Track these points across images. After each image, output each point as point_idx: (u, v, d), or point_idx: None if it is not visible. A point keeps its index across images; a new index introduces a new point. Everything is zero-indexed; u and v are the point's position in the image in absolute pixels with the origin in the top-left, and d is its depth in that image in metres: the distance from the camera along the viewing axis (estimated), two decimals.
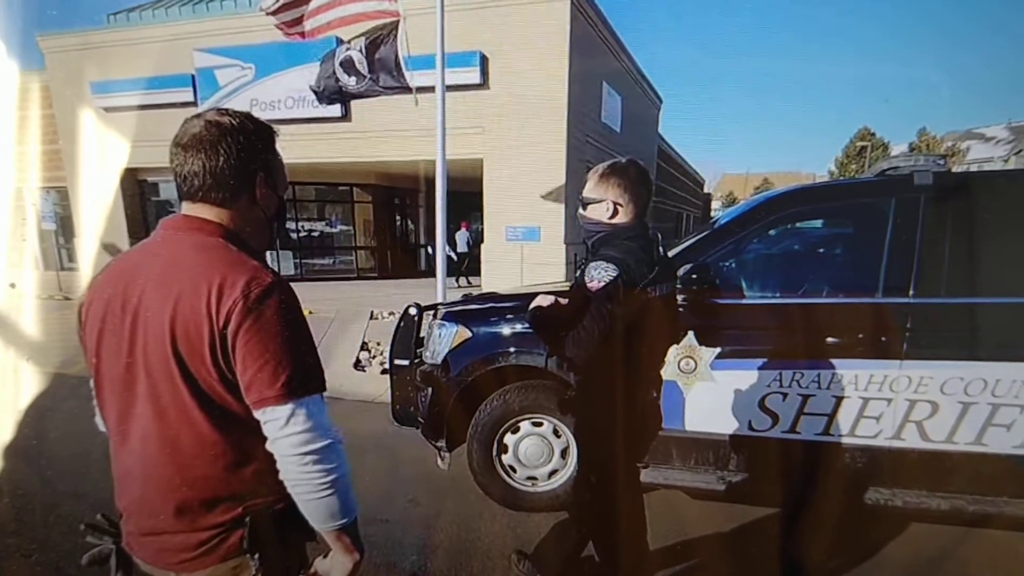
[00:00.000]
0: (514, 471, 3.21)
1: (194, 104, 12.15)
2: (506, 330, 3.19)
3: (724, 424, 2.87)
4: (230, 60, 11.70)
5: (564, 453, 3.17)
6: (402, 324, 3.72)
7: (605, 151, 13.32)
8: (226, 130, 1.12)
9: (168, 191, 14.53)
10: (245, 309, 1.01)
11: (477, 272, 12.02)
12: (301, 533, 1.16)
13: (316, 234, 15.80)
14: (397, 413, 3.67)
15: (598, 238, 1.99)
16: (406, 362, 3.56)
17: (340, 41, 7.41)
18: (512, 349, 3.15)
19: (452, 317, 3.32)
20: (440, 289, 8.14)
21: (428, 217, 16.73)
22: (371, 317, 9.47)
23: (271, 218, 1.22)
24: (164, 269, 1.08)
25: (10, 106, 14.47)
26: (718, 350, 2.80)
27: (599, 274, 1.78)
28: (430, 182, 15.36)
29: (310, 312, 10.32)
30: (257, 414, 1.05)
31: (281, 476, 1.07)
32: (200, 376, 1.04)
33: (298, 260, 15.11)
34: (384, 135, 11.41)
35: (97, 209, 14.10)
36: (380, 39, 6.83)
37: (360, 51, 6.85)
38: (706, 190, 46.16)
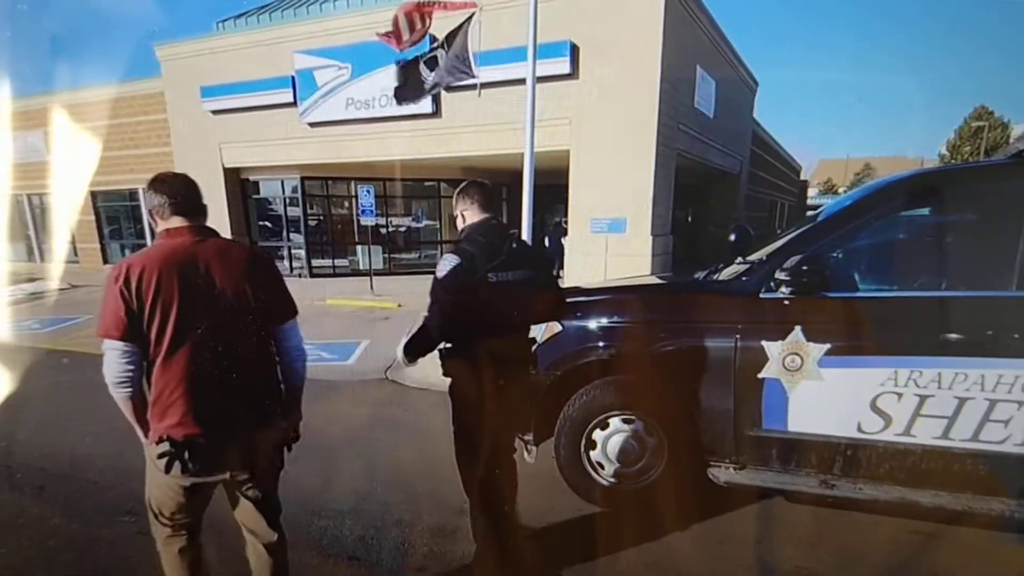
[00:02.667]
0: (602, 467, 3.15)
1: (294, 104, 12.71)
2: (596, 324, 3.14)
3: (831, 425, 2.71)
4: (328, 61, 12.11)
5: (655, 452, 3.08)
6: None
7: (698, 138, 12.82)
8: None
9: (267, 189, 15.35)
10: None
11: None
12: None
13: (403, 229, 16.22)
14: None
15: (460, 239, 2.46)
16: None
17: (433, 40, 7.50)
18: (602, 344, 3.11)
19: None
20: None
21: (512, 210, 16.75)
22: None
23: None
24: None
25: (129, 112, 15.78)
26: (827, 346, 2.63)
27: (443, 264, 2.26)
28: (515, 175, 15.34)
29: (399, 305, 10.62)
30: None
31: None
32: None
33: (386, 255, 15.55)
34: (474, 129, 11.47)
35: None
36: (456, 32, 6.92)
37: (443, 46, 6.97)
38: (802, 176, 43.63)
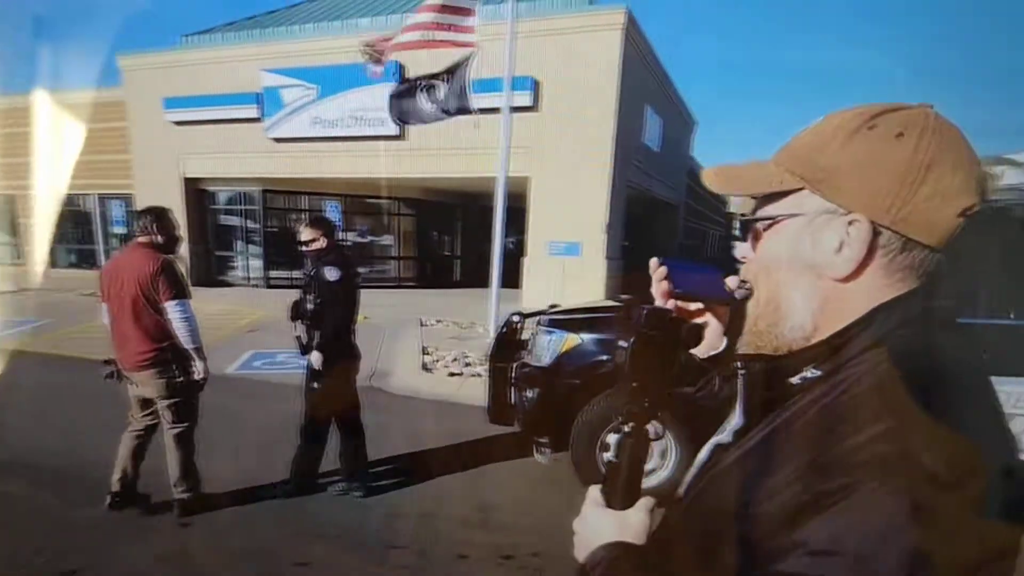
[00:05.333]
0: None
1: (259, 120, 12.96)
2: (610, 337, 3.60)
3: None
4: (295, 80, 12.49)
5: (663, 454, 3.48)
6: (505, 330, 4.25)
7: (645, 171, 13.88)
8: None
9: (224, 199, 15.37)
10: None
11: (515, 284, 12.53)
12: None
13: (352, 244, 16.46)
14: (493, 413, 4.11)
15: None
16: (506, 365, 4.09)
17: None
18: (613, 356, 3.44)
19: (560, 325, 3.78)
20: (494, 299, 8.72)
21: (464, 231, 17.42)
22: (421, 324, 10.06)
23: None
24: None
25: (86, 119, 15.45)
26: None
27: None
28: (468, 197, 16.04)
29: (365, 318, 10.96)
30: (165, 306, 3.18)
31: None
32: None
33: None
34: (436, 153, 12.07)
35: None
36: (456, 67, 7.51)
37: (444, 80, 7.52)
38: (730, 209, 46.24)
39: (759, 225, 0.66)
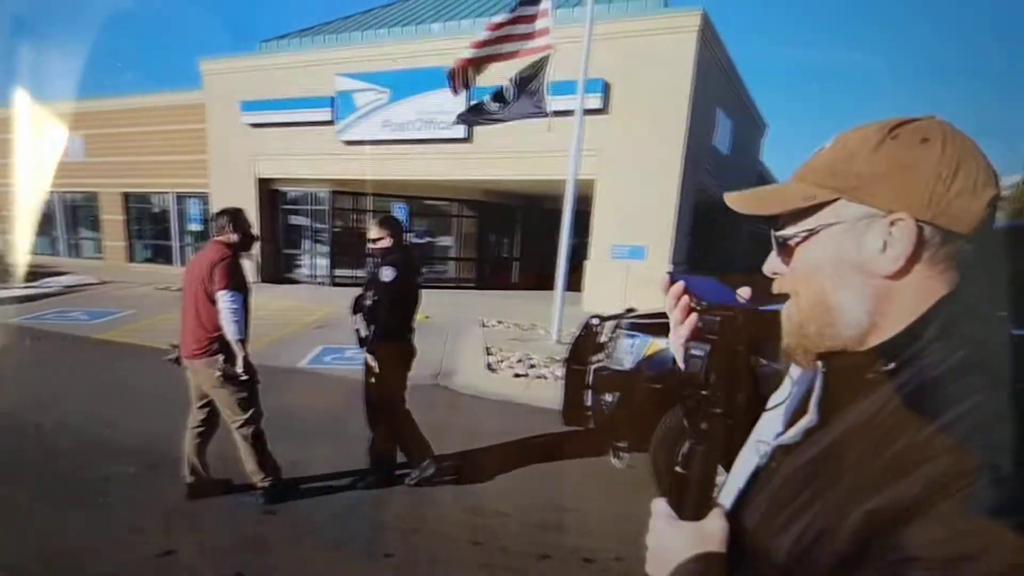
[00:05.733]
0: None
1: (331, 123, 13.35)
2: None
3: None
4: (368, 84, 12.81)
5: None
6: (583, 333, 4.20)
7: (713, 175, 13.54)
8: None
9: (294, 199, 15.90)
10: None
11: (576, 287, 12.43)
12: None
13: (413, 244, 16.73)
14: (568, 415, 4.07)
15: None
16: (582, 368, 4.04)
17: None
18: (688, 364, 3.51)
19: (642, 329, 3.73)
20: (559, 301, 8.64)
21: (524, 233, 17.46)
22: (482, 325, 10.09)
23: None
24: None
25: (167, 121, 16.33)
26: None
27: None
28: (528, 199, 16.08)
29: (427, 317, 11.06)
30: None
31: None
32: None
33: None
34: (503, 156, 12.12)
35: None
36: (531, 70, 7.50)
37: (512, 81, 7.52)
38: None
39: (791, 240, 0.70)
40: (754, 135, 18.89)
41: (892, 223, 0.63)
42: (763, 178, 22.82)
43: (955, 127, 0.64)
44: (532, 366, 7.28)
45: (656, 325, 3.78)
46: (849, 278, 0.66)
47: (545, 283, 13.11)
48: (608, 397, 3.78)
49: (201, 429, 3.53)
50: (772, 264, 0.75)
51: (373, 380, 3.66)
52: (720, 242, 18.73)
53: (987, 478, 0.51)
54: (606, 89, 10.96)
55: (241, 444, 3.44)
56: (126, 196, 18.06)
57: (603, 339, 4.14)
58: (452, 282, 16.08)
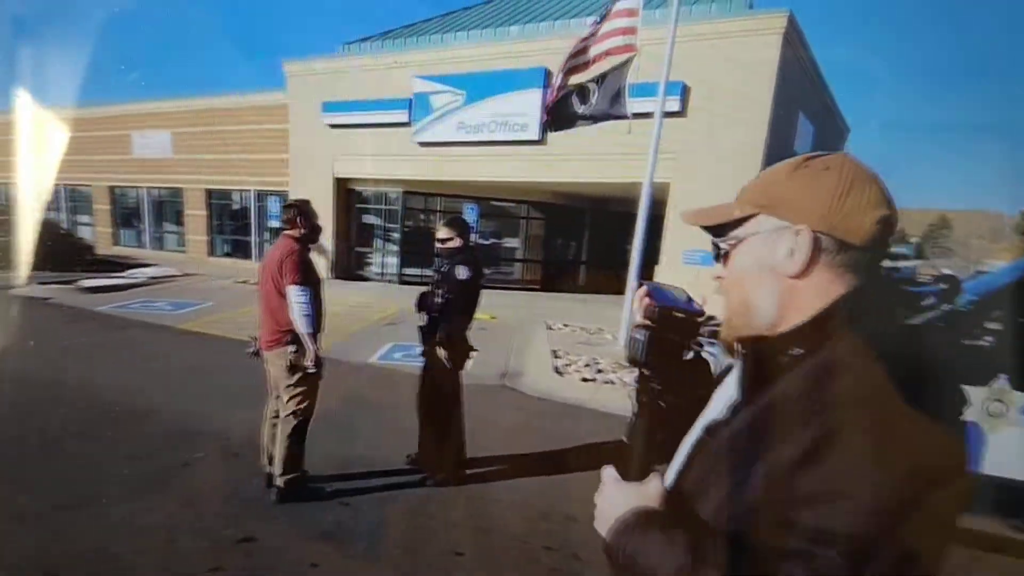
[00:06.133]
0: None
1: (408, 125, 13.65)
2: None
3: None
4: (444, 87, 13.01)
5: None
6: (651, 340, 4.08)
7: None
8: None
9: (371, 198, 16.35)
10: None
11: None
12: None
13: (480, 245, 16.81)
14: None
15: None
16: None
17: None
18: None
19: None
20: (629, 307, 8.50)
21: (591, 236, 17.31)
22: (548, 328, 10.03)
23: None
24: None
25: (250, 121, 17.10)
26: None
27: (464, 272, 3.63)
28: (597, 201, 15.94)
29: (493, 317, 11.13)
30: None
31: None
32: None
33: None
34: (577, 158, 12.05)
35: None
36: (614, 71, 7.42)
37: (596, 81, 7.46)
38: None
39: (725, 247, 0.87)
40: (836, 139, 18.06)
41: (797, 233, 0.77)
42: None
43: (859, 162, 0.78)
44: (600, 371, 7.20)
45: None
46: (764, 278, 0.81)
47: (611, 287, 12.96)
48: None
49: (275, 417, 3.63)
50: (716, 269, 0.91)
51: (438, 375, 3.78)
52: None
53: (878, 451, 0.62)
54: (685, 92, 10.71)
55: (280, 433, 3.50)
56: (209, 192, 18.96)
57: None
58: (518, 283, 16.15)
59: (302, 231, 3.49)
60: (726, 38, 10.45)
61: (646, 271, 12.46)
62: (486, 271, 18.28)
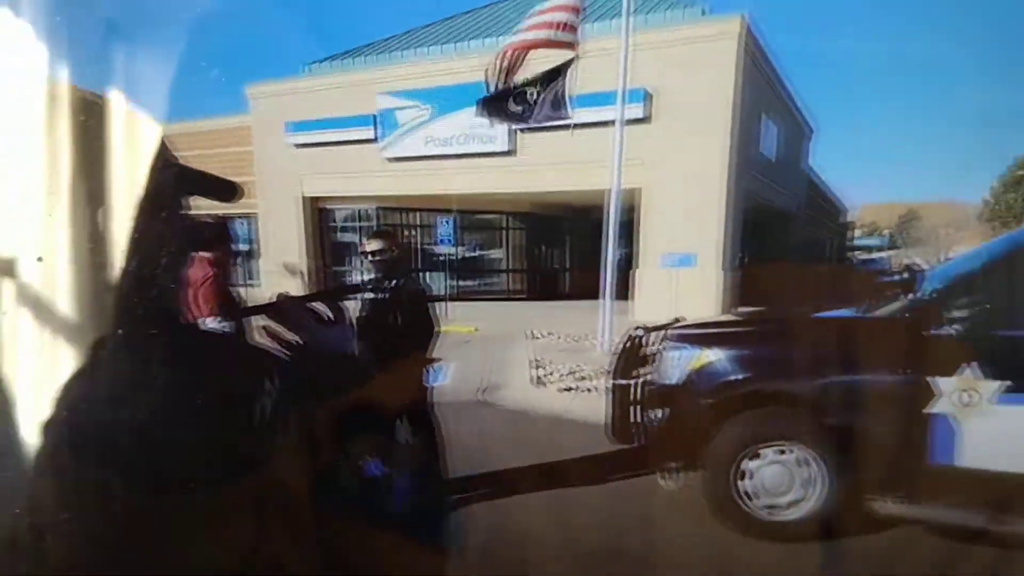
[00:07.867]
0: (751, 498, 3.13)
1: (374, 141, 13.60)
2: (747, 354, 3.31)
3: (1007, 462, 2.72)
4: (410, 102, 13.00)
5: (805, 484, 3.08)
6: (628, 345, 4.01)
7: (761, 181, 13.20)
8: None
9: (341, 217, 16.21)
10: None
11: (625, 296, 12.24)
12: None
13: (462, 258, 16.74)
14: (614, 430, 3.79)
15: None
16: (628, 382, 3.84)
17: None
18: (752, 374, 3.24)
19: (689, 340, 3.48)
20: (606, 312, 8.52)
21: (573, 244, 17.36)
22: (532, 337, 9.96)
23: None
24: None
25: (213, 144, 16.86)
26: (1007, 384, 2.69)
27: None
28: (577, 210, 15.96)
29: (475, 329, 11.04)
30: None
31: None
32: None
33: (454, 282, 16.11)
34: (545, 167, 12.10)
35: (279, 233, 15.92)
36: (554, 74, 7.35)
37: (536, 84, 7.39)
38: (848, 219, 43.34)
39: None
40: (801, 140, 18.44)
41: None
42: (812, 183, 22.20)
43: None
44: (582, 378, 7.12)
45: (704, 336, 3.58)
46: None
47: (596, 293, 12.96)
48: (657, 413, 3.51)
49: None
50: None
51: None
52: (773, 248, 18.27)
53: None
54: (647, 99, 10.82)
55: None
56: None
57: (650, 351, 3.94)
58: (503, 294, 16.13)
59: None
60: (684, 44, 10.60)
61: (623, 277, 12.55)
62: (472, 283, 18.27)
